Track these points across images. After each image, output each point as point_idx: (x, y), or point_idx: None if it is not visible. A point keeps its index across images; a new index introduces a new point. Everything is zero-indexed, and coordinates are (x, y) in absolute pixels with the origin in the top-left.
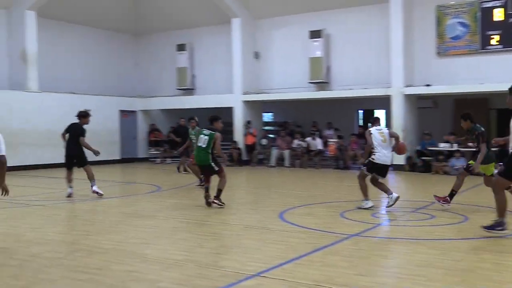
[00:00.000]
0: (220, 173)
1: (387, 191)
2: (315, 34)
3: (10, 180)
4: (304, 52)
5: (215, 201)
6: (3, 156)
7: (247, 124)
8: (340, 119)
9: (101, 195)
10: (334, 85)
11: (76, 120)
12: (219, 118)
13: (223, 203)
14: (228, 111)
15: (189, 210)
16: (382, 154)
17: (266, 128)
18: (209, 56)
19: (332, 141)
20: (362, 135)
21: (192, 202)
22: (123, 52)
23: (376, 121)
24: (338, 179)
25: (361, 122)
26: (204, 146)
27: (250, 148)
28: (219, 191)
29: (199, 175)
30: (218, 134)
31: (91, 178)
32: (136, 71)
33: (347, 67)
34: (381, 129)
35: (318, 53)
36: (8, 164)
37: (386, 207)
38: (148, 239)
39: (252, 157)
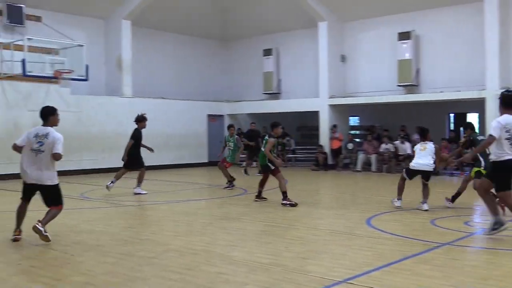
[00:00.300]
0: (275, 173)
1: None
2: (404, 36)
3: (106, 180)
4: (392, 55)
5: (284, 202)
6: (57, 153)
7: (333, 128)
8: (429, 123)
9: (145, 193)
10: (423, 88)
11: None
12: (278, 124)
13: (295, 202)
14: (314, 115)
15: (274, 213)
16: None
17: (352, 132)
18: (295, 60)
19: None
20: (453, 140)
21: (277, 206)
22: (212, 58)
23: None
24: None
25: (452, 126)
26: (263, 149)
27: (336, 152)
28: (283, 193)
29: (229, 177)
30: (271, 140)
31: (140, 180)
32: (224, 76)
33: (438, 69)
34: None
35: (407, 55)
36: (104, 166)
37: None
38: (235, 242)
39: (338, 161)
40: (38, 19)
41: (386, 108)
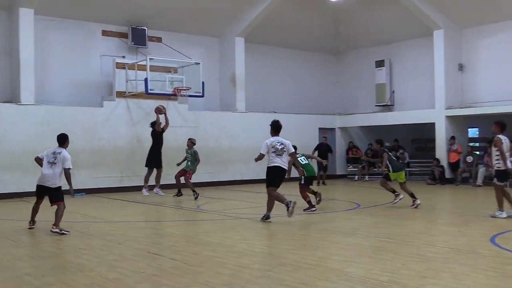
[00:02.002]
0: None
1: None
2: None
3: (222, 193)
4: None
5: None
6: (69, 169)
7: (451, 140)
8: None
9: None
10: None
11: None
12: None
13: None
14: (429, 126)
15: (389, 228)
16: None
17: (472, 144)
18: (408, 70)
19: None
20: None
21: (392, 221)
22: (323, 71)
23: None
24: None
25: None
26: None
27: (453, 165)
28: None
29: (192, 188)
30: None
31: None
32: (335, 89)
33: None
34: None
35: None
36: (218, 179)
37: None
38: (350, 257)
39: (456, 175)
40: (158, 39)
41: (510, 118)
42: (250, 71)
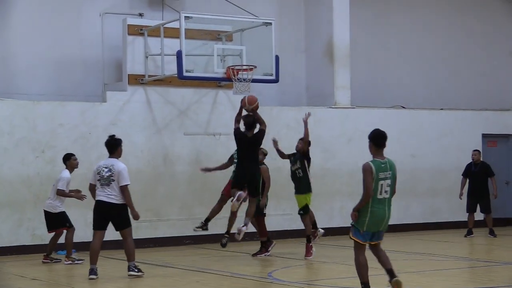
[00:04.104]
0: None
1: None
2: None
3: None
4: None
5: None
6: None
7: None
8: None
9: None
10: None
11: None
12: None
13: None
14: None
15: None
16: None
17: None
18: None
19: None
20: None
21: None
22: (491, 33)
23: None
24: None
25: None
26: None
27: None
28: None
29: None
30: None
31: None
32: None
33: None
34: None
35: None
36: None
37: None
38: None
39: None
40: None
41: None
42: (358, 39)
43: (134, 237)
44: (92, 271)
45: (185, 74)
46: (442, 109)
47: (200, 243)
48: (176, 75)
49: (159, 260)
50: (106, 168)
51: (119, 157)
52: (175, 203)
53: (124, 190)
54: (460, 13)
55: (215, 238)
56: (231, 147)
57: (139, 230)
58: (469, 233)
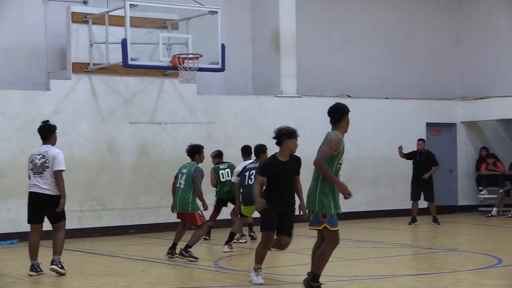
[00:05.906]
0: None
1: None
2: None
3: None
4: None
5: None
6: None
7: None
8: None
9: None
10: None
11: None
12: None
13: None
14: None
15: None
16: None
17: None
18: None
19: None
20: None
21: None
22: (434, 24)
23: None
24: None
25: None
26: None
27: None
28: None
29: None
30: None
31: None
32: (455, 54)
33: None
34: None
35: None
36: None
37: None
38: None
39: None
40: None
41: None
42: (304, 28)
43: (79, 226)
44: (33, 267)
45: (130, 62)
46: (387, 98)
47: (145, 232)
48: (121, 64)
49: (103, 249)
50: (39, 155)
51: (54, 144)
52: (120, 192)
53: (58, 176)
54: (404, 2)
55: (159, 227)
56: (177, 136)
57: (83, 219)
58: (413, 220)
